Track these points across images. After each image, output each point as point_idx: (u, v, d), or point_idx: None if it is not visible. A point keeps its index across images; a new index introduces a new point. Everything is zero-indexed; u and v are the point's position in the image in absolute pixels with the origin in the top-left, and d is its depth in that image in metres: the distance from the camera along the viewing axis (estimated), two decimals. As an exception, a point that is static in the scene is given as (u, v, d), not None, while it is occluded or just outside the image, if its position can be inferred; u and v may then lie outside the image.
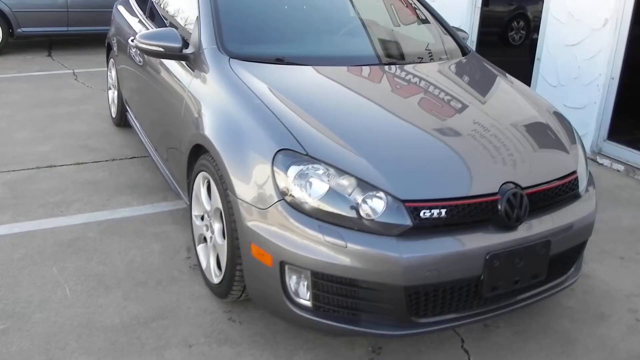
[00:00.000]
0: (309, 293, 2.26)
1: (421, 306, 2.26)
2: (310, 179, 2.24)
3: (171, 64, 3.30)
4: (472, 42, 6.28)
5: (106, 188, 3.96)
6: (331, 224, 2.19)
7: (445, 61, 3.37)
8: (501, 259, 2.26)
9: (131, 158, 4.51)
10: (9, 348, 2.43)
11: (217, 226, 2.67)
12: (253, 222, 2.33)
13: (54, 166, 4.31)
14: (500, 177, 2.37)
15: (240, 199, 2.38)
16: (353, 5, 3.75)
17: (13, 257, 3.08)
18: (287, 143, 2.35)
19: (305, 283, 2.26)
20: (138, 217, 3.57)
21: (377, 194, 2.20)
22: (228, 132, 2.58)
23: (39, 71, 7.22)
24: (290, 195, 2.24)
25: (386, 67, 3.15)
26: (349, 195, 2.21)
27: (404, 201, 2.20)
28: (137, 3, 4.53)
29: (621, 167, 4.66)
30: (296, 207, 2.23)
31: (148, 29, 3.93)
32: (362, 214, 2.18)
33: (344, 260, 2.16)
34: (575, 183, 2.61)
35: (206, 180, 2.75)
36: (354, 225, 2.18)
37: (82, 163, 4.38)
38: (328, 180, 2.23)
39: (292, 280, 2.28)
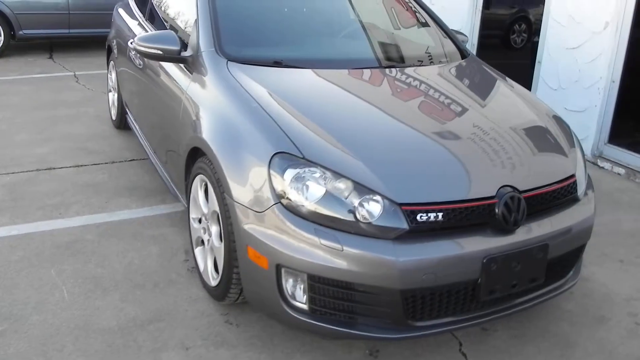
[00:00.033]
0: (305, 296, 2.26)
1: (418, 309, 2.25)
2: (307, 182, 2.23)
3: (170, 67, 3.31)
4: (472, 45, 6.27)
5: (105, 190, 3.96)
6: (328, 227, 2.18)
7: (445, 64, 3.37)
8: (498, 263, 2.25)
9: (130, 160, 4.51)
10: (6, 350, 2.43)
11: (214, 229, 2.66)
12: (250, 225, 2.32)
13: (53, 168, 4.31)
14: (497, 180, 2.37)
15: (237, 202, 2.37)
16: (352, 8, 3.75)
17: (11, 259, 3.08)
18: (284, 146, 2.35)
19: (302, 286, 2.25)
20: (136, 220, 3.57)
21: (374, 197, 2.20)
22: (225, 135, 2.58)
23: (40, 73, 7.23)
24: (287, 198, 2.24)
25: (385, 70, 3.14)
26: (346, 198, 2.20)
27: (400, 204, 2.19)
28: (137, 5, 4.53)
29: (622, 171, 4.65)
30: (293, 210, 2.23)
31: (147, 31, 3.93)
32: (358, 217, 2.18)
33: (341, 263, 2.15)
34: (573, 187, 2.60)
35: (204, 183, 2.74)
36: (351, 228, 2.18)
37: (81, 165, 4.38)
38: (325, 184, 2.23)
39: (288, 283, 2.28)
